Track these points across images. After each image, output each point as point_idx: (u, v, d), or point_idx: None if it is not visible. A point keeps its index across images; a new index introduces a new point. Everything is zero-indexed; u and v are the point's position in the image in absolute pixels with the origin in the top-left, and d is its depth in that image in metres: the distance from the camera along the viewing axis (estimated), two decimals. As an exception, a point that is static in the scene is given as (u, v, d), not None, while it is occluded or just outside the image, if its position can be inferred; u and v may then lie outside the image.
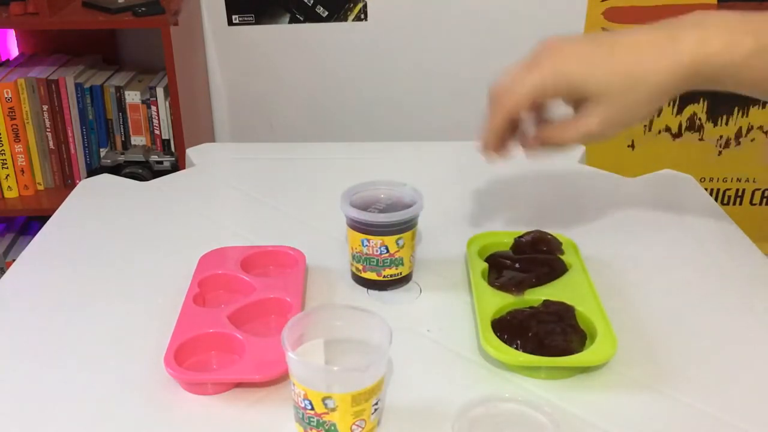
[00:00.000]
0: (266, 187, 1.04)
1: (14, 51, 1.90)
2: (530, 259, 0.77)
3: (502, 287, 0.74)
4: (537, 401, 0.62)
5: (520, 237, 0.80)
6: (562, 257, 0.78)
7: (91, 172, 1.77)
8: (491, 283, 0.75)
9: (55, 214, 0.96)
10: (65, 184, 1.80)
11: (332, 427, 0.57)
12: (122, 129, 1.77)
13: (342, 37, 1.91)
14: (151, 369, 0.66)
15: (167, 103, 1.73)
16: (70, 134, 1.76)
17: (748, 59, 0.64)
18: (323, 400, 0.56)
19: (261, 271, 0.80)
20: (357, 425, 0.58)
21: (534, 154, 0.69)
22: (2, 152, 1.72)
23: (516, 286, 0.73)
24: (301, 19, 1.89)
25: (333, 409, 0.56)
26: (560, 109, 0.70)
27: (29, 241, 0.90)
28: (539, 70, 0.66)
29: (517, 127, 0.72)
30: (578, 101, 0.67)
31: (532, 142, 0.69)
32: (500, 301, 0.71)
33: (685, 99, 1.93)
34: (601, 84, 0.64)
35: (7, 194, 1.76)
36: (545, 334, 0.67)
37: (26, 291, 0.81)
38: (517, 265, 0.76)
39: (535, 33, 2.02)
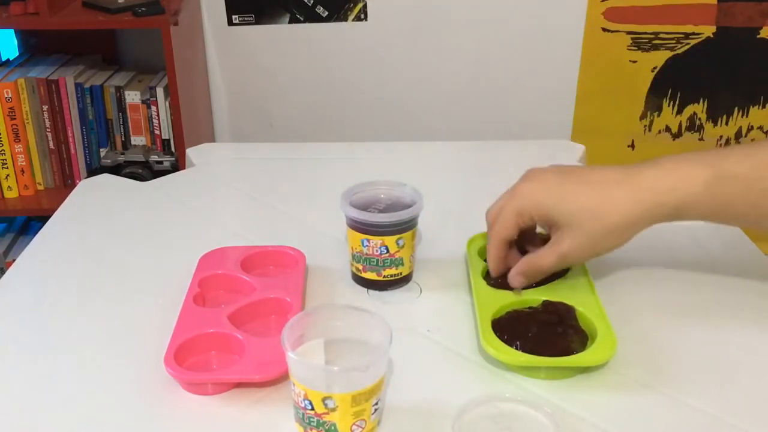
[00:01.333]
0: (266, 187, 1.04)
1: (14, 51, 1.90)
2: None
3: (497, 284, 0.74)
4: (537, 401, 0.62)
5: None
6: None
7: (91, 172, 1.77)
8: (490, 282, 0.75)
9: (55, 214, 0.96)
10: (65, 184, 1.80)
11: (332, 427, 0.57)
12: (122, 129, 1.77)
13: (342, 37, 1.90)
14: (151, 369, 0.66)
15: (167, 103, 1.73)
16: (70, 134, 1.76)
17: (706, 188, 0.67)
18: (323, 400, 0.56)
19: (261, 271, 0.80)
20: (357, 425, 0.58)
21: (521, 286, 0.74)
22: (2, 152, 1.72)
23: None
24: (301, 19, 1.89)
25: (333, 409, 0.56)
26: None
27: (29, 241, 0.90)
28: (518, 199, 0.72)
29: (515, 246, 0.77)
30: (552, 226, 0.72)
31: (518, 279, 0.73)
32: (500, 301, 0.71)
33: (685, 99, 1.94)
34: (567, 214, 0.69)
35: (7, 194, 1.76)
36: (545, 334, 0.67)
37: (26, 291, 0.81)
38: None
39: (535, 33, 2.03)
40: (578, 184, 0.71)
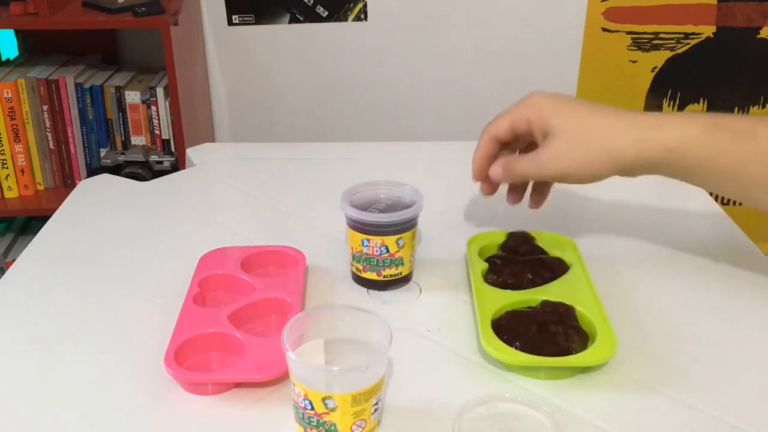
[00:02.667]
0: (266, 187, 1.04)
1: (14, 51, 1.90)
2: (531, 261, 0.77)
3: (495, 282, 0.74)
4: (537, 401, 0.62)
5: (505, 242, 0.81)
6: (563, 257, 0.78)
7: (91, 172, 1.77)
8: (489, 281, 0.75)
9: (55, 214, 0.96)
10: (65, 184, 1.80)
11: (332, 427, 0.57)
12: (122, 129, 1.77)
13: (342, 37, 1.91)
14: (151, 369, 0.66)
15: (167, 103, 1.73)
16: (70, 134, 1.76)
17: (702, 132, 0.68)
18: (323, 400, 0.56)
19: (261, 271, 0.80)
20: (357, 425, 0.58)
21: (497, 179, 0.77)
22: (2, 152, 1.72)
23: (514, 278, 0.74)
24: (301, 19, 1.89)
25: (333, 409, 0.56)
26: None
27: (29, 241, 0.90)
28: (521, 102, 0.75)
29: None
30: (544, 137, 0.72)
31: (496, 169, 0.76)
32: (500, 301, 0.71)
33: (685, 99, 1.94)
34: (560, 124, 0.71)
35: (7, 194, 1.77)
36: (545, 334, 0.67)
37: (26, 291, 0.81)
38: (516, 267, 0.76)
39: (535, 33, 2.03)
40: (580, 104, 0.73)
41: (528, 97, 0.74)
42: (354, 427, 0.57)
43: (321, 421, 0.57)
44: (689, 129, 0.68)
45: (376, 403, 0.58)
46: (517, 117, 0.73)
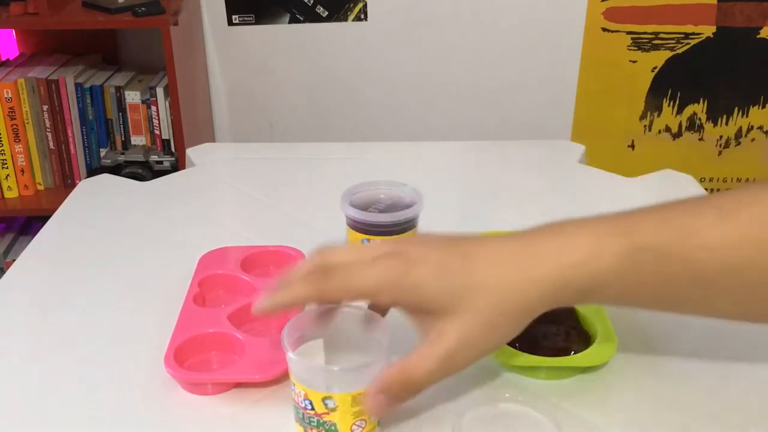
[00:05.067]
0: (266, 187, 1.04)
1: (14, 51, 1.90)
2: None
3: None
4: (537, 401, 0.62)
5: None
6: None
7: (91, 172, 1.77)
8: None
9: (55, 214, 0.96)
10: (65, 184, 1.80)
11: (332, 427, 0.57)
12: (122, 129, 1.77)
13: (342, 37, 1.91)
14: (151, 369, 0.66)
15: (167, 103, 1.73)
16: (70, 134, 1.76)
17: (621, 264, 0.53)
18: (323, 400, 0.56)
19: (261, 271, 0.80)
20: (357, 425, 0.58)
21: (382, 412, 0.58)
22: (2, 152, 1.72)
23: None
24: (301, 19, 1.89)
25: (333, 409, 0.56)
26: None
27: (29, 241, 0.90)
28: (387, 266, 0.54)
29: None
30: (425, 317, 0.55)
31: (379, 401, 0.55)
32: (500, 301, 0.71)
33: (685, 99, 1.94)
34: (457, 298, 0.53)
35: (7, 194, 1.77)
36: (545, 334, 0.67)
37: (26, 291, 0.81)
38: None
39: (535, 33, 2.03)
40: (468, 260, 0.55)
41: (394, 257, 0.54)
42: (354, 427, 0.57)
43: (321, 421, 0.57)
44: (605, 261, 0.53)
45: (376, 403, 0.58)
46: (378, 288, 0.54)
